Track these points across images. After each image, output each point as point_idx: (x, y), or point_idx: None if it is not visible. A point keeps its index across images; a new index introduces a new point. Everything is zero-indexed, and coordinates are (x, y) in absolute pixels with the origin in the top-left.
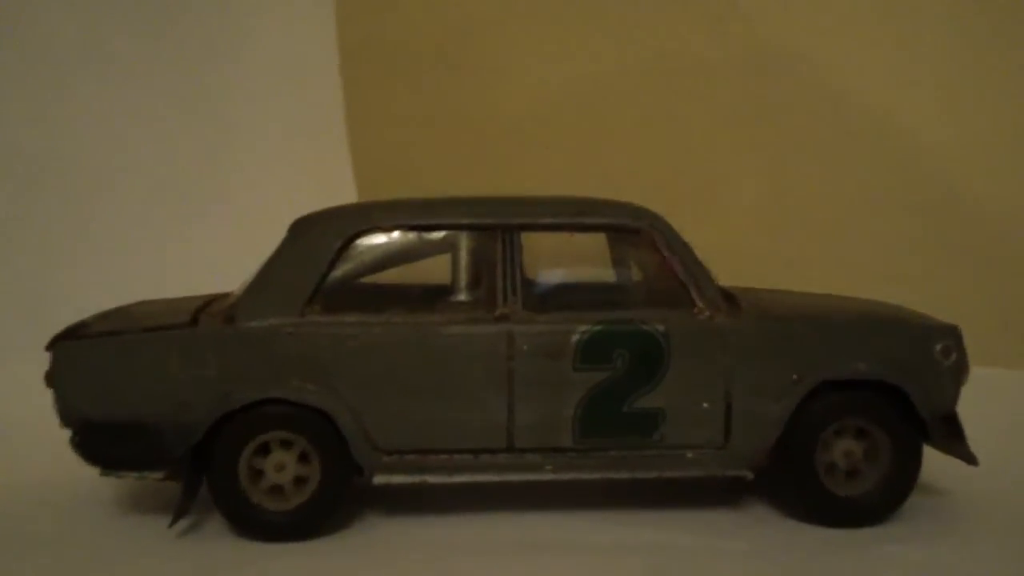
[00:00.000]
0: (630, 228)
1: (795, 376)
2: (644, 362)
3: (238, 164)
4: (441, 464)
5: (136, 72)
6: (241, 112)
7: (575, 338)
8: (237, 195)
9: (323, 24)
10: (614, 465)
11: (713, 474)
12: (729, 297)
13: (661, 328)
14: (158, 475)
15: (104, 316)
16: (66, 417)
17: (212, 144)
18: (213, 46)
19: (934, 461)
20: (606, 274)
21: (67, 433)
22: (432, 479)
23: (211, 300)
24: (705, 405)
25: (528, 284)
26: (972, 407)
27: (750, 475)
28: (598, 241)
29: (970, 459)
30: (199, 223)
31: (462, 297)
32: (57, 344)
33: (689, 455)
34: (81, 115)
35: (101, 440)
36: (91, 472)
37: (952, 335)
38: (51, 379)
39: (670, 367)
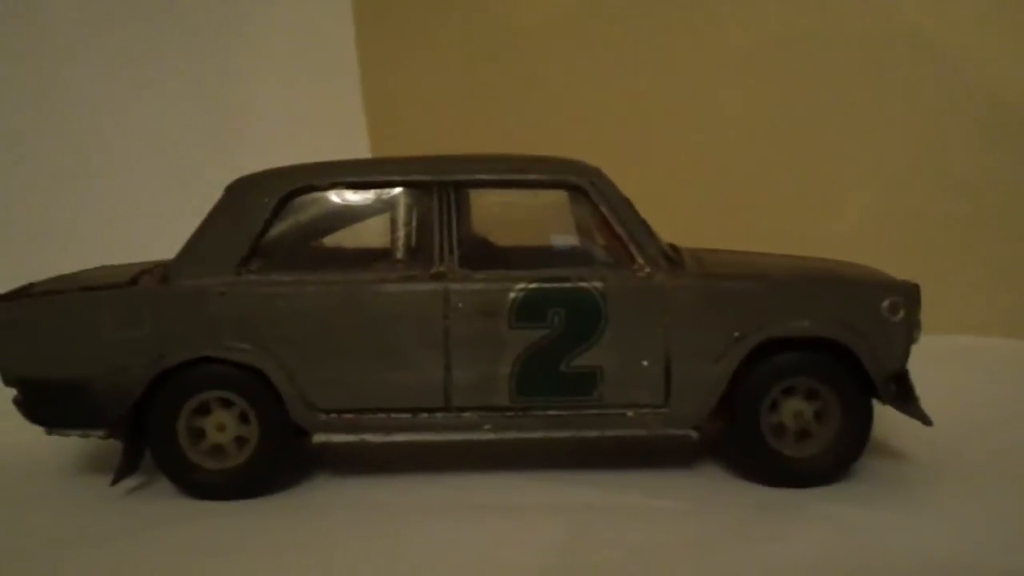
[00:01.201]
0: (568, 184)
1: (736, 334)
2: (581, 320)
3: (251, 133)
4: (379, 423)
5: (145, 47)
6: (253, 78)
7: (511, 296)
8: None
9: None
10: (553, 424)
11: (655, 433)
12: (672, 256)
13: (599, 286)
14: (100, 434)
15: (54, 279)
16: (5, 375)
17: (225, 116)
18: (224, 18)
19: (896, 423)
20: (549, 232)
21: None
22: (371, 438)
23: (163, 263)
24: (645, 364)
25: (466, 242)
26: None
27: (695, 434)
28: (559, 198)
29: (924, 419)
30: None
31: (399, 256)
32: None
33: (630, 414)
34: (90, 90)
35: (43, 400)
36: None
37: (901, 292)
38: None
39: (608, 326)
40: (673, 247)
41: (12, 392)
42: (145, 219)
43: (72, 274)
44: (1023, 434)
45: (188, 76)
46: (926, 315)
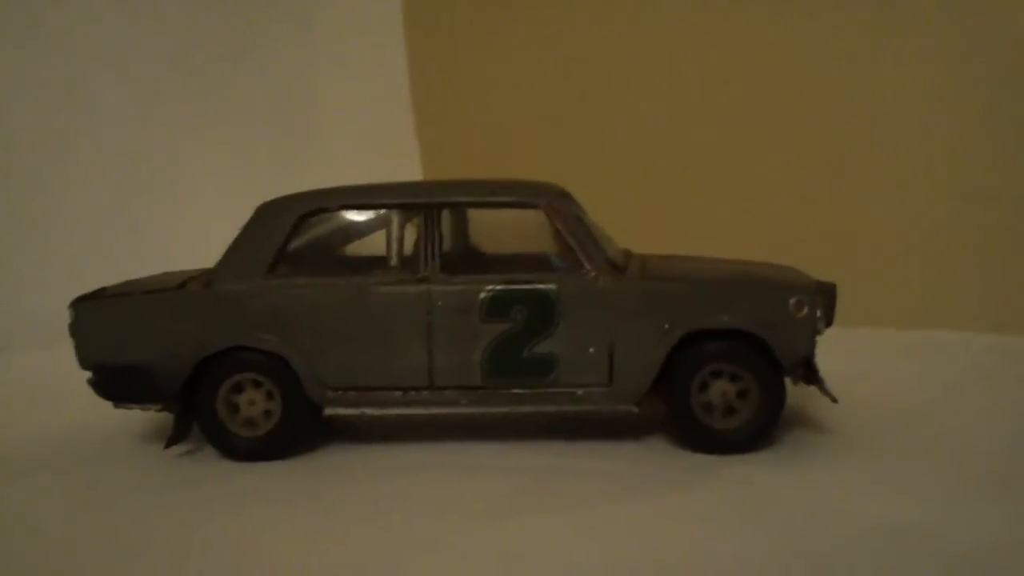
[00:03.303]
0: (529, 204)
1: (666, 326)
2: (539, 316)
3: (315, 154)
4: (376, 399)
5: (224, 78)
6: (310, 87)
7: (481, 296)
8: (309, 172)
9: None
10: (517, 400)
11: (601, 408)
12: (616, 262)
13: (553, 288)
14: (157, 407)
15: (122, 284)
16: (83, 360)
17: (291, 138)
18: (293, 50)
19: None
20: (517, 242)
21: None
22: (370, 411)
23: (205, 271)
24: (591, 351)
25: (447, 252)
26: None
27: (636, 409)
28: (533, 215)
29: (830, 396)
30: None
31: (393, 263)
32: (77, 304)
33: (579, 393)
34: (175, 116)
35: (111, 380)
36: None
37: (805, 291)
38: (72, 331)
39: (561, 320)
40: (627, 252)
41: (88, 375)
42: (221, 229)
43: (136, 280)
44: (939, 415)
45: (260, 104)
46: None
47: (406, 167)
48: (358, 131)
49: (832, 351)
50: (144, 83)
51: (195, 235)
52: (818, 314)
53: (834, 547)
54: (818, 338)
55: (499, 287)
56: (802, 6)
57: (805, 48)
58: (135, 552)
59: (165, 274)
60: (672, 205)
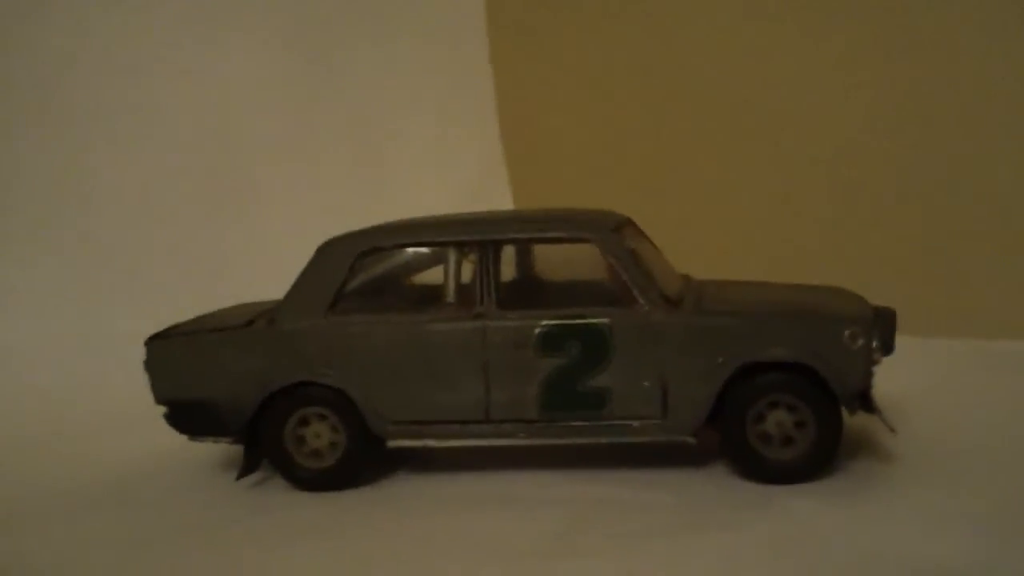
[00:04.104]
0: (581, 239)
1: (720, 360)
2: (593, 350)
3: (389, 157)
4: (436, 432)
5: (305, 96)
6: (391, 103)
7: (536, 331)
8: (392, 188)
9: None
10: (572, 433)
11: (656, 440)
12: (671, 296)
13: (606, 322)
14: (228, 440)
15: (193, 320)
16: (158, 396)
17: (373, 162)
18: (374, 69)
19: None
20: (572, 275)
21: (162, 410)
22: (431, 443)
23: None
24: (645, 384)
25: (502, 287)
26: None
27: (693, 441)
28: (592, 248)
29: (889, 427)
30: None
31: (449, 299)
32: (149, 342)
33: (635, 425)
34: (258, 138)
35: (184, 414)
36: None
37: (860, 323)
38: (146, 368)
39: (615, 354)
40: (686, 280)
41: (163, 409)
42: (299, 252)
43: (208, 314)
44: (1015, 440)
45: (341, 127)
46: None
47: (495, 192)
48: (445, 154)
49: (914, 364)
50: (222, 106)
51: (273, 260)
52: (874, 344)
53: None
54: (875, 368)
55: (553, 322)
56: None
57: (879, 60)
58: None
59: (236, 307)
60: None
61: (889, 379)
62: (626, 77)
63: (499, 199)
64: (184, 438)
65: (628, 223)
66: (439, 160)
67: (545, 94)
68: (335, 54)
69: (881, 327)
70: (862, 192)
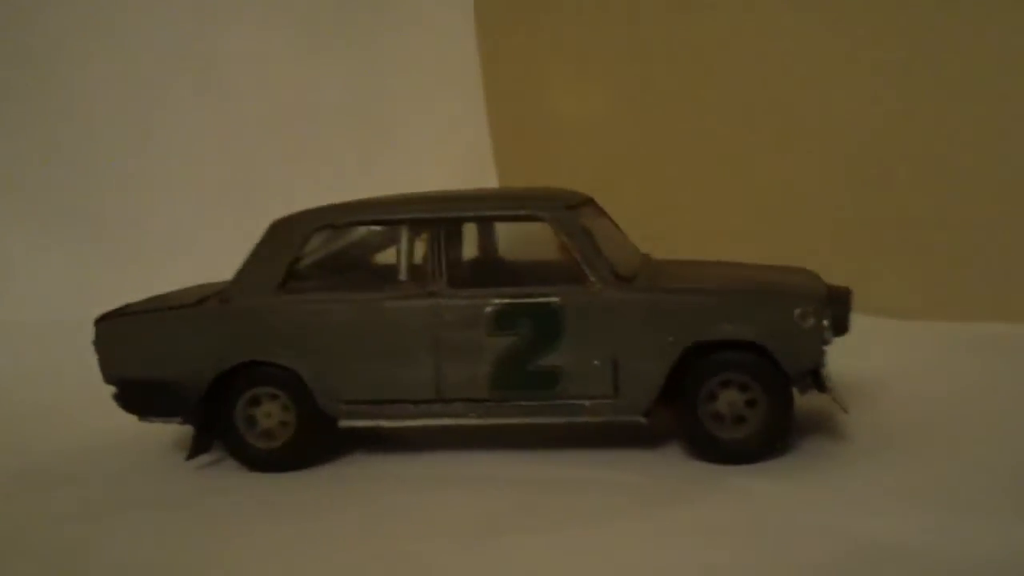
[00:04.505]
0: (535, 218)
1: (671, 338)
2: (544, 328)
3: (375, 140)
4: (388, 412)
5: (306, 79)
6: (394, 106)
7: (487, 309)
8: (378, 170)
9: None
10: (524, 412)
11: (608, 420)
12: (624, 274)
13: (557, 300)
14: (178, 420)
15: (146, 300)
16: (107, 376)
17: (370, 138)
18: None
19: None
20: (527, 254)
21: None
22: (384, 423)
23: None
24: (596, 363)
25: (454, 266)
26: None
27: (644, 420)
28: (544, 227)
29: (842, 406)
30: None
31: (402, 277)
32: (99, 322)
33: (586, 404)
34: (258, 115)
35: (133, 394)
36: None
37: (812, 301)
38: (96, 347)
39: (566, 332)
40: (646, 260)
41: (112, 389)
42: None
43: (162, 295)
44: (973, 418)
45: (336, 106)
46: None
47: (480, 168)
48: (432, 133)
49: (883, 346)
50: (220, 85)
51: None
52: (825, 323)
53: (820, 565)
54: (826, 347)
55: (504, 300)
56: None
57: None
58: (119, 563)
59: (195, 287)
60: (737, 207)
61: (848, 360)
62: (616, 58)
63: (486, 182)
64: (134, 419)
65: (587, 202)
66: (425, 143)
67: (533, 74)
68: (321, 38)
69: (835, 306)
70: (832, 173)
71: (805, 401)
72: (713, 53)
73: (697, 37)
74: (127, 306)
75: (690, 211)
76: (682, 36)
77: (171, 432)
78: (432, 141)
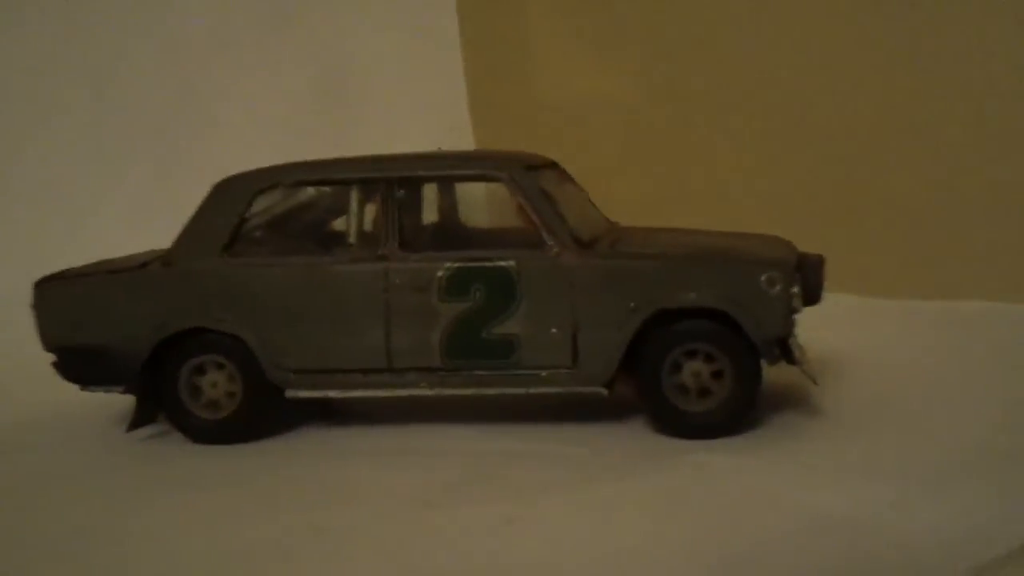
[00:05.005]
0: (490, 177)
1: (632, 305)
2: (498, 294)
3: (356, 105)
4: (337, 382)
5: (270, 49)
6: (356, 55)
7: (439, 274)
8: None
9: None
10: (479, 383)
11: (567, 391)
12: (584, 239)
13: (513, 264)
14: (120, 389)
15: (90, 264)
16: (46, 342)
17: (339, 108)
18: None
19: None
20: (483, 218)
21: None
22: (332, 394)
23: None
24: (554, 331)
25: (406, 228)
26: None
27: (604, 392)
28: (501, 188)
29: (812, 379)
30: None
31: (352, 240)
32: (38, 285)
33: (544, 375)
34: (220, 84)
35: (73, 362)
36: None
37: (779, 267)
38: (35, 311)
39: (522, 299)
40: (611, 227)
41: (52, 357)
42: None
43: (106, 260)
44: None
45: (304, 73)
46: None
47: (459, 138)
48: (408, 100)
49: (854, 323)
50: (182, 52)
51: None
52: (794, 291)
53: (758, 541)
54: (796, 316)
55: (457, 264)
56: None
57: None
58: (44, 536)
59: (148, 252)
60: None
61: (822, 335)
62: (604, 37)
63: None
64: (75, 388)
65: (549, 165)
66: (403, 115)
67: (516, 53)
68: (299, 7)
69: (805, 274)
70: (809, 151)
71: (775, 374)
72: (705, 33)
73: (688, 16)
74: (68, 270)
75: (672, 192)
76: (672, 15)
77: (117, 403)
78: (409, 121)
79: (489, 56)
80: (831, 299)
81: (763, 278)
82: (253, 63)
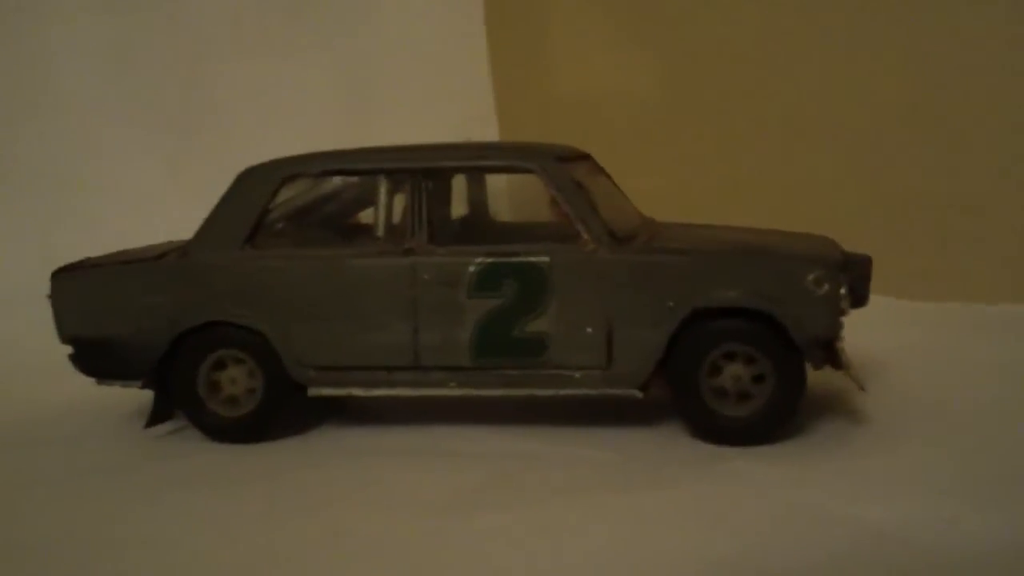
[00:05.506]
0: (522, 169)
1: (671, 303)
2: (530, 290)
3: (376, 102)
4: (361, 379)
5: (284, 35)
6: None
7: (470, 269)
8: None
9: None
10: (509, 383)
11: (601, 393)
12: (620, 234)
13: (546, 259)
14: (137, 384)
15: (109, 254)
16: (63, 334)
17: (358, 96)
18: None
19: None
20: (516, 210)
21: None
22: (355, 392)
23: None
24: (588, 330)
25: (434, 220)
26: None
27: (639, 394)
28: (534, 180)
29: (859, 385)
30: None
31: (379, 233)
32: (56, 275)
33: (577, 375)
34: (233, 75)
35: (90, 354)
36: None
37: (826, 266)
38: (52, 302)
39: (554, 295)
40: (648, 222)
41: (69, 349)
42: None
43: (126, 250)
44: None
45: (324, 64)
46: None
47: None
48: (430, 90)
49: (892, 326)
50: (195, 42)
51: None
52: (842, 291)
53: (802, 560)
54: (844, 319)
55: (488, 259)
56: None
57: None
58: (53, 534)
59: (168, 242)
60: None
61: (866, 340)
62: (627, 31)
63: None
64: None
65: (583, 157)
66: (425, 105)
67: (541, 45)
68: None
69: (852, 274)
70: (849, 153)
71: (816, 379)
72: (729, 26)
73: (713, 8)
74: (86, 259)
75: (699, 189)
76: (696, 8)
77: (134, 398)
78: (431, 111)
79: (514, 46)
80: (876, 302)
81: (811, 277)
82: (271, 51)
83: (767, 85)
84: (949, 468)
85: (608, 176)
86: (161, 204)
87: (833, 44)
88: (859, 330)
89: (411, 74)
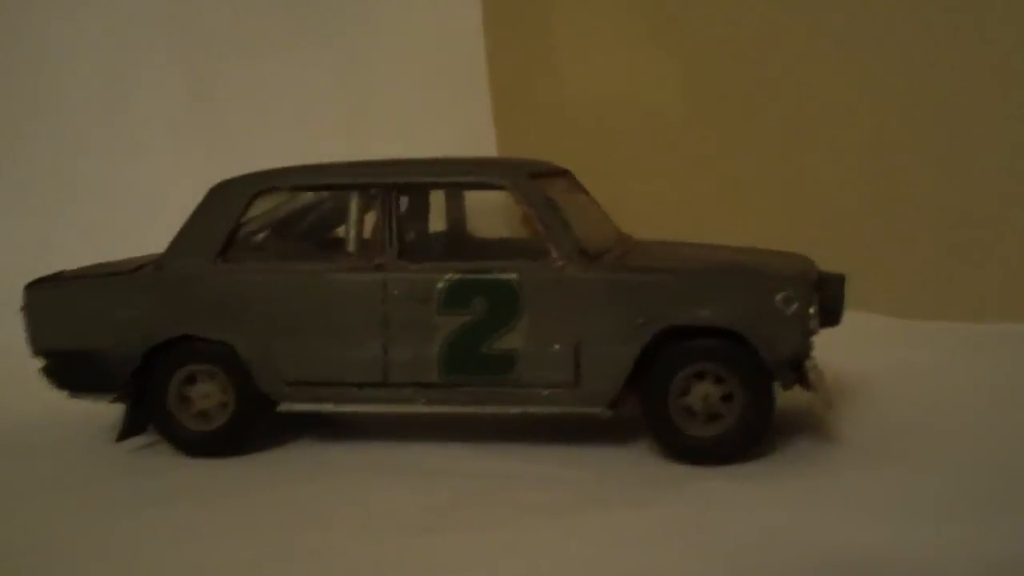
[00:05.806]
0: (493, 185)
1: (640, 321)
2: (500, 307)
3: (380, 120)
4: (331, 395)
5: (285, 39)
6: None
7: (439, 285)
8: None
9: None
10: (478, 400)
11: (568, 410)
12: (592, 250)
13: (515, 277)
14: (109, 398)
15: (85, 267)
16: (35, 346)
17: (356, 103)
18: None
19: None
20: (487, 227)
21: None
22: (326, 407)
23: None
24: (556, 347)
25: (405, 237)
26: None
27: (607, 413)
28: (505, 196)
29: (826, 404)
30: None
31: (350, 248)
32: (29, 287)
33: (545, 393)
34: (237, 78)
35: (62, 367)
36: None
37: (796, 285)
38: (25, 314)
39: (524, 312)
40: (624, 239)
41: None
42: None
43: (103, 263)
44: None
45: (324, 65)
46: None
47: (480, 143)
48: (428, 101)
49: (877, 344)
50: (197, 48)
51: None
52: (811, 311)
53: None
54: (813, 338)
55: (458, 276)
56: None
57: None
58: (25, 547)
59: (148, 255)
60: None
61: (845, 358)
62: (622, 28)
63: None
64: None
65: (559, 173)
66: (425, 120)
67: (540, 52)
68: (323, 8)
69: (825, 293)
70: (837, 168)
71: (791, 397)
72: (733, 36)
73: (716, 18)
74: (61, 272)
75: (692, 199)
76: (700, 17)
77: (110, 412)
78: (433, 111)
79: (513, 45)
80: (854, 318)
81: (779, 296)
82: (271, 51)
83: (769, 89)
84: (921, 489)
85: (586, 192)
86: (161, 204)
87: (837, 47)
88: (840, 347)
89: (411, 74)
